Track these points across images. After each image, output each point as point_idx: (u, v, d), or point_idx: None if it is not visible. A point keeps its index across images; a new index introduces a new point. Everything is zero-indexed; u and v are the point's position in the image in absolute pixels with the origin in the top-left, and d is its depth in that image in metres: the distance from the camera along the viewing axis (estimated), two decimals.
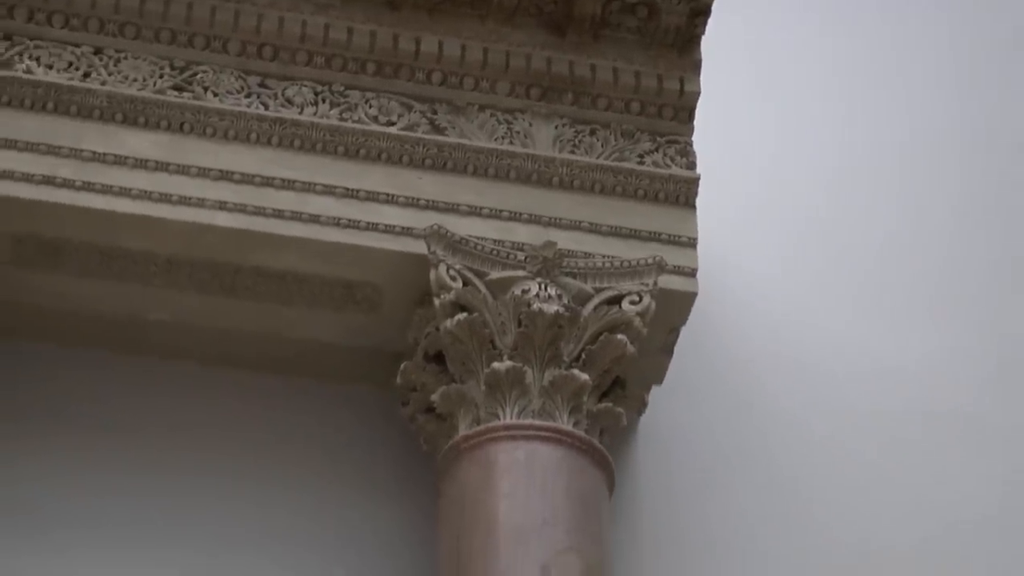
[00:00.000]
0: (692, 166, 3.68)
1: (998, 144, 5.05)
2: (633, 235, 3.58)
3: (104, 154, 3.36)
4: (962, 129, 5.09)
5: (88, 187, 3.32)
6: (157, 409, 3.73)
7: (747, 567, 3.92)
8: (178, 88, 3.45)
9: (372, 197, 3.47)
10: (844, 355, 4.35)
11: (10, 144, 3.31)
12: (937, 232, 4.77)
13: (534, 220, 3.54)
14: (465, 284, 3.41)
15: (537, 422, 3.35)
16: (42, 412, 3.63)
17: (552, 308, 3.36)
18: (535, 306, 3.35)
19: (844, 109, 5.02)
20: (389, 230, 3.44)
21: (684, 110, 3.72)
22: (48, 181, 3.30)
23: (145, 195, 3.35)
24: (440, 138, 3.57)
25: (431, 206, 3.50)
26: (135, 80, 3.43)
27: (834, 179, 4.80)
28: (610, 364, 3.47)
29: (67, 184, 3.31)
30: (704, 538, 3.96)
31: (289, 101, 3.51)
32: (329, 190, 3.45)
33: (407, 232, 3.44)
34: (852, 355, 4.36)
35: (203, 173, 3.40)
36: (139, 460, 3.64)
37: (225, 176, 3.41)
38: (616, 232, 3.58)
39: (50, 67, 3.40)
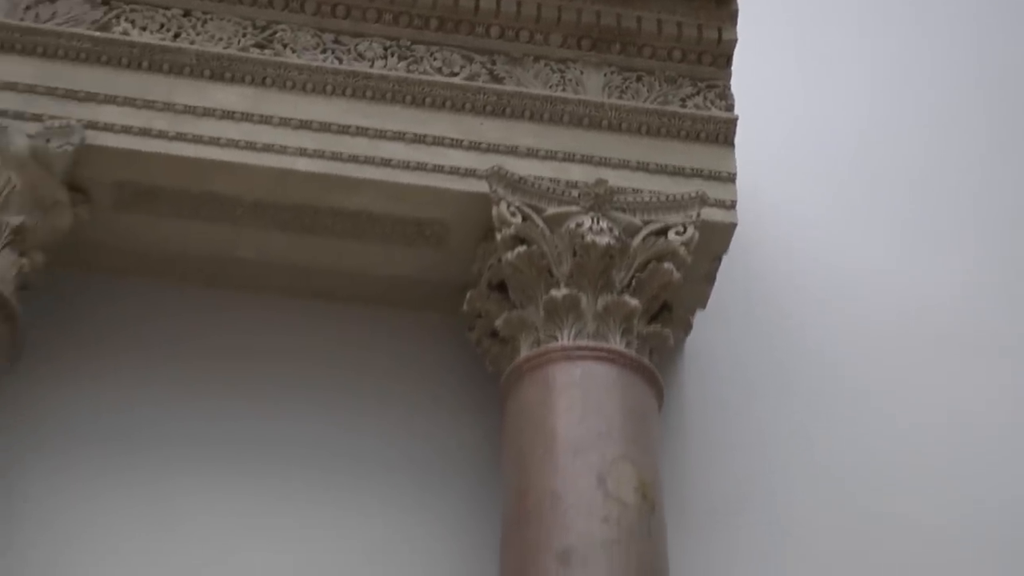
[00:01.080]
0: (730, 108, 3.81)
1: None
2: (677, 172, 3.71)
3: (194, 107, 3.54)
4: (991, 63, 5.16)
5: (180, 137, 3.51)
6: (246, 338, 3.89)
7: (780, 471, 4.01)
8: (260, 46, 3.63)
9: (438, 142, 3.62)
10: (874, 282, 4.45)
11: (110, 99, 3.50)
12: (966, 166, 4.84)
13: (586, 160, 3.68)
14: (524, 219, 3.55)
15: (592, 343, 3.48)
16: (143, 343, 3.80)
17: (604, 240, 3.50)
18: (588, 238, 3.50)
19: (874, 48, 5.09)
20: (454, 172, 3.60)
21: (722, 56, 3.86)
22: (144, 133, 3.49)
23: (232, 144, 3.53)
24: (499, 87, 3.72)
25: (492, 149, 3.65)
26: (220, 39, 3.61)
27: (865, 117, 4.87)
28: (658, 290, 3.60)
29: (161, 135, 3.50)
30: (743, 446, 4.06)
31: (361, 55, 3.68)
32: (399, 136, 3.60)
33: (471, 173, 3.59)
34: (881, 282, 4.45)
35: (284, 123, 3.57)
36: (231, 385, 3.80)
37: (304, 125, 3.58)
38: (662, 170, 3.71)
39: (144, 29, 3.59)
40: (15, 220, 3.39)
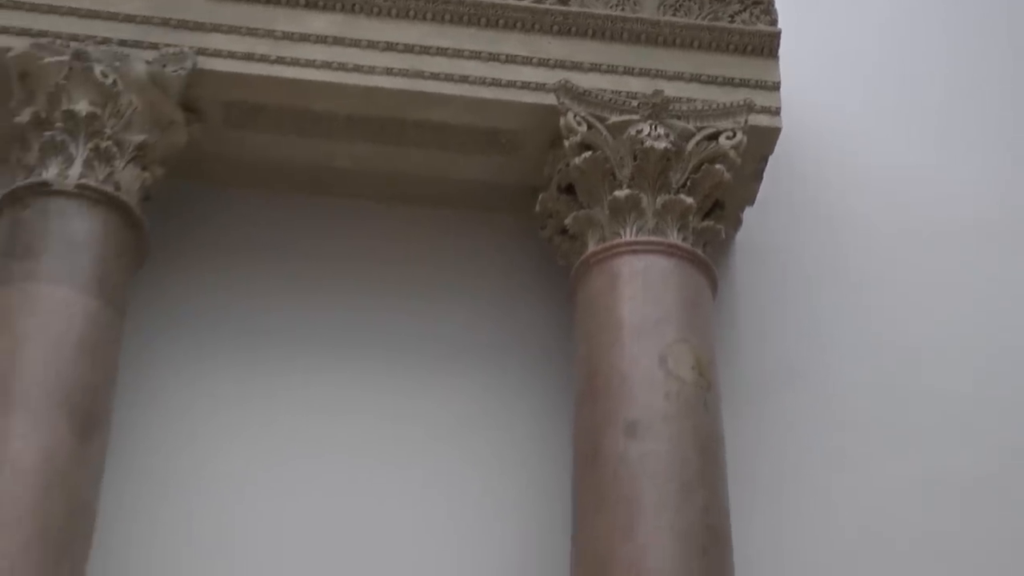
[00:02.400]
0: (774, 22, 4.04)
1: None
2: (726, 82, 3.96)
3: (292, 33, 3.84)
4: None
5: (280, 61, 3.82)
6: (343, 241, 4.20)
7: (824, 351, 4.26)
8: None
9: (511, 59, 3.90)
10: (911, 176, 4.66)
11: (217, 28, 3.81)
12: (1000, 68, 5.02)
13: (644, 73, 3.93)
14: (589, 128, 3.82)
15: (652, 238, 3.74)
16: (252, 246, 4.14)
17: (661, 145, 3.77)
18: (647, 144, 3.77)
19: None
20: (525, 86, 3.88)
21: None
22: (248, 57, 3.80)
23: (326, 65, 3.82)
24: (565, 8, 3.96)
25: (559, 65, 3.91)
26: None
27: (900, 20, 5.07)
28: (710, 189, 3.86)
29: (263, 59, 3.81)
30: (789, 329, 4.30)
31: None
32: (475, 55, 3.89)
33: (540, 87, 3.87)
34: (918, 176, 4.67)
35: (372, 45, 3.86)
36: (331, 284, 4.12)
37: (390, 47, 3.86)
38: (712, 80, 3.96)
39: None
40: (137, 138, 3.73)
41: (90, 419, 3.44)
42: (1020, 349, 4.38)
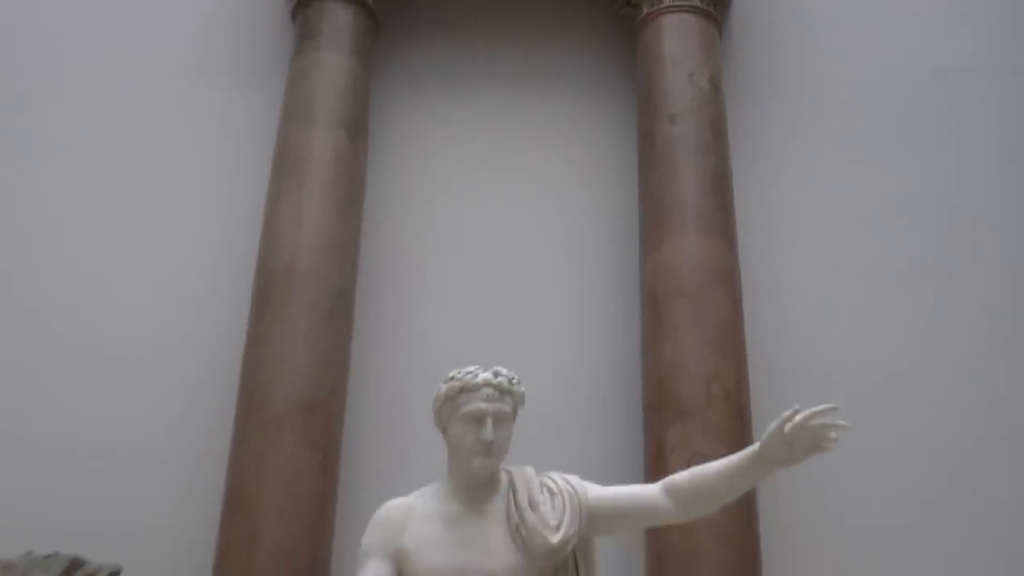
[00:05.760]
0: None
1: None
2: None
3: None
4: None
5: None
6: (495, 22, 6.54)
7: (798, 62, 6.49)
8: None
9: None
10: None
11: None
12: None
13: None
14: None
15: (682, 2, 6.10)
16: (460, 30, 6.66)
17: None
18: None
19: None
20: None
21: None
22: None
23: None
24: None
25: None
26: None
27: None
28: None
29: None
30: (774, 55, 6.55)
31: None
32: None
33: None
34: None
35: None
36: (490, 48, 6.58)
37: None
38: None
39: None
40: None
41: (355, 124, 5.97)
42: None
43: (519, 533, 3.46)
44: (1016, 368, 5.92)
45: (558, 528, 3.48)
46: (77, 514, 5.43)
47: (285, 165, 5.87)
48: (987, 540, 5.53)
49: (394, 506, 3.58)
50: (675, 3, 6.12)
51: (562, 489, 3.55)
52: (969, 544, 5.51)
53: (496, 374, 3.54)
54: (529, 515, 3.47)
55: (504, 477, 3.60)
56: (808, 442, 3.30)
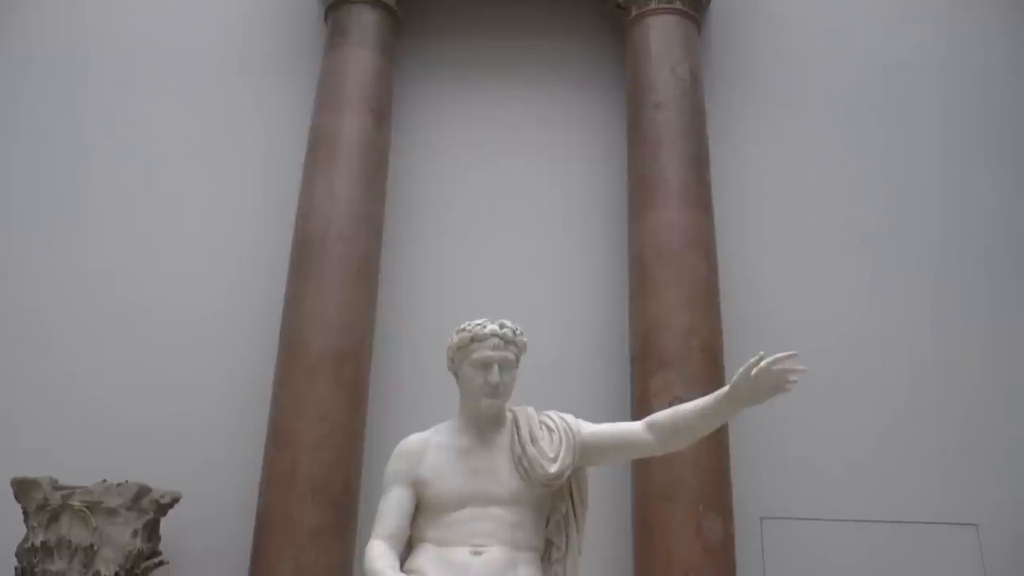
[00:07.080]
0: None
1: None
2: None
3: None
4: None
5: None
6: (502, 25, 7.17)
7: (772, 56, 7.05)
8: None
9: None
10: None
11: None
12: None
13: None
14: None
15: (666, 5, 6.72)
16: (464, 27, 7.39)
17: None
18: None
19: None
20: None
21: None
22: None
23: None
24: None
25: None
26: None
27: None
28: None
29: None
30: (747, 52, 7.13)
31: None
32: None
33: None
34: None
35: None
36: (494, 45, 7.22)
37: None
38: None
39: None
40: None
41: (380, 111, 6.66)
42: None
43: (521, 463, 3.71)
44: (946, 325, 6.58)
45: (555, 459, 3.70)
46: (144, 448, 6.05)
47: (319, 146, 6.52)
48: (921, 464, 6.23)
49: (413, 440, 3.84)
50: (660, 5, 6.73)
51: (559, 426, 3.79)
52: (904, 463, 6.20)
53: (502, 326, 3.81)
54: (530, 448, 3.72)
55: (508, 415, 3.84)
56: (772, 383, 3.52)
